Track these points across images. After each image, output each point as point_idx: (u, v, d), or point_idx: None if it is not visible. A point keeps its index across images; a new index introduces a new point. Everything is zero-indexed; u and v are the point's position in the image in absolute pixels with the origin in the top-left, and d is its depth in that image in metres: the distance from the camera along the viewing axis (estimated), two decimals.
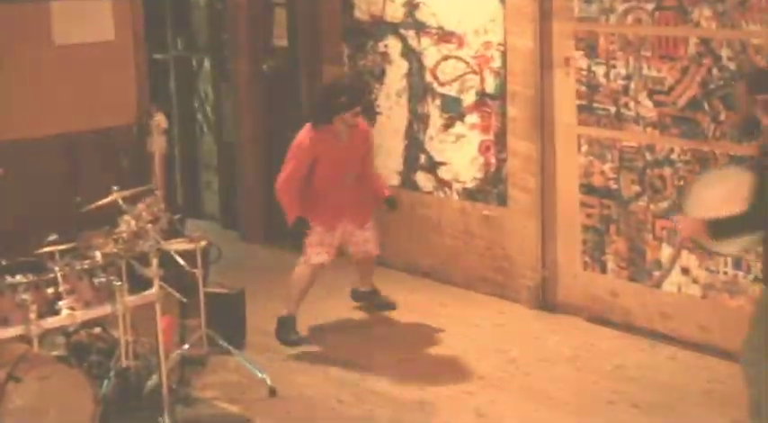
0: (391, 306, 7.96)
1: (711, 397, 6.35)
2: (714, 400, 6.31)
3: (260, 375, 6.62)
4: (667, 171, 7.00)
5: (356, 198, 7.53)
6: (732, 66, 6.59)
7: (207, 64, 10.17)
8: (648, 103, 7.05)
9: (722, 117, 6.69)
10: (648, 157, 7.09)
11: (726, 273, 6.77)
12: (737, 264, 6.72)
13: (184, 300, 6.55)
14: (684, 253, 6.97)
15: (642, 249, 7.20)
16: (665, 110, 6.97)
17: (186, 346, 6.67)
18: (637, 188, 7.17)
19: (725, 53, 6.62)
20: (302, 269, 7.47)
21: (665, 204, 7.04)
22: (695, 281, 6.94)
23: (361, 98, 7.50)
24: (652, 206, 7.11)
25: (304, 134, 7.39)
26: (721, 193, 5.50)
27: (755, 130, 5.53)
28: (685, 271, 6.98)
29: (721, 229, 5.32)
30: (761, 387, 5.39)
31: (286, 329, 7.42)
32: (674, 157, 6.98)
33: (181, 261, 6.46)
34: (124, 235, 6.09)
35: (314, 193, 7.38)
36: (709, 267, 6.84)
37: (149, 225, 6.04)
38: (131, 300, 5.98)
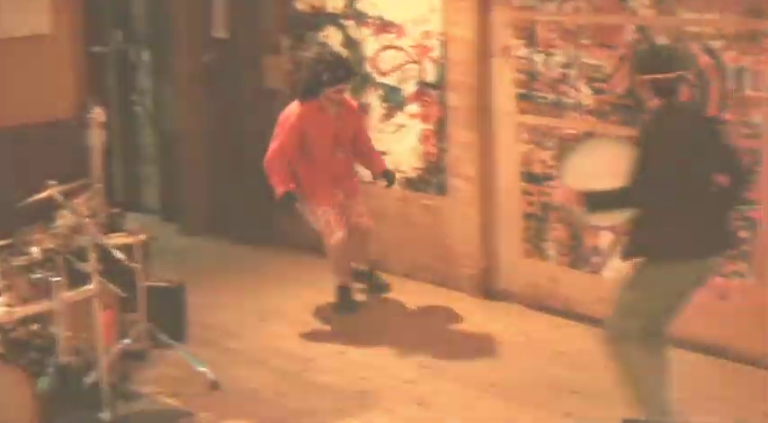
0: (385, 287, 8.06)
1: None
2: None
3: (201, 369, 6.57)
4: None
5: (348, 171, 7.73)
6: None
7: (146, 56, 10.08)
8: (587, 91, 7.08)
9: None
10: None
11: None
12: None
13: (124, 294, 6.48)
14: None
15: (581, 236, 7.24)
16: (604, 97, 7.00)
17: (126, 341, 6.60)
18: None
19: (662, 40, 6.65)
20: (330, 251, 7.68)
21: None
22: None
23: (345, 76, 7.42)
24: None
25: (291, 109, 7.51)
26: (598, 165, 5.48)
27: (641, 109, 5.55)
28: None
29: (598, 202, 5.35)
30: (623, 366, 5.51)
31: (344, 300, 7.78)
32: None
33: (119, 255, 6.39)
34: (62, 230, 6.02)
35: (310, 171, 7.52)
36: None
37: (87, 219, 5.98)
38: (70, 295, 5.91)
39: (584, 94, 7.09)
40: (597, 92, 7.03)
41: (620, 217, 5.45)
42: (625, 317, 5.49)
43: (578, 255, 7.28)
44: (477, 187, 7.73)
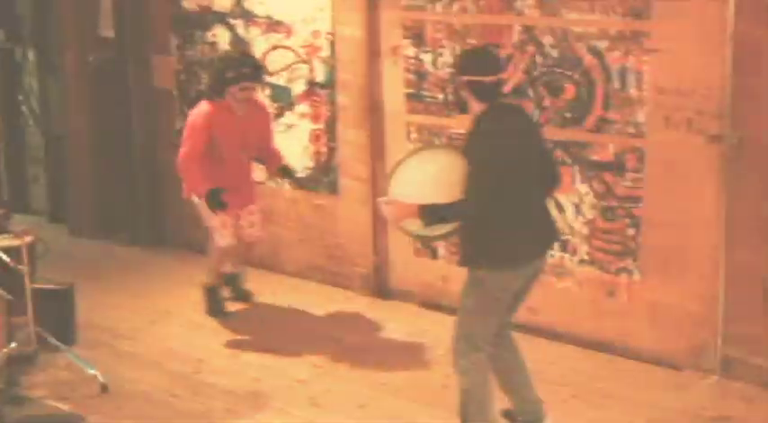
0: (249, 297, 7.93)
1: (541, 377, 6.43)
2: (544, 380, 6.41)
3: (91, 371, 6.50)
4: None
5: (248, 174, 7.58)
6: (555, 53, 6.74)
7: (31, 55, 9.91)
8: None
9: (546, 103, 6.83)
10: None
11: (552, 255, 6.91)
12: (564, 247, 6.88)
13: (10, 297, 6.38)
14: None
15: None
16: None
17: (13, 345, 6.50)
18: None
19: (547, 41, 6.76)
20: (214, 253, 7.57)
21: None
22: None
23: (251, 73, 7.20)
24: None
25: (199, 109, 7.29)
26: (429, 176, 5.44)
27: (463, 111, 5.58)
28: None
29: (436, 215, 5.29)
30: (470, 378, 5.50)
31: (212, 301, 7.70)
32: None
33: (5, 258, 6.29)
34: None
35: (216, 171, 7.23)
36: None
37: None
38: None
39: None
40: None
41: (450, 228, 5.40)
42: (472, 325, 5.52)
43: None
44: (369, 186, 7.76)
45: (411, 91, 7.45)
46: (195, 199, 7.33)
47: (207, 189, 7.10)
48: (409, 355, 6.93)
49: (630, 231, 6.60)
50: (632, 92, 6.46)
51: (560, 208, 6.83)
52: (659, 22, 6.31)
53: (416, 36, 7.35)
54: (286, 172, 7.65)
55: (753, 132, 6.07)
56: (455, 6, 7.13)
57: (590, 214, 6.76)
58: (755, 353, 6.26)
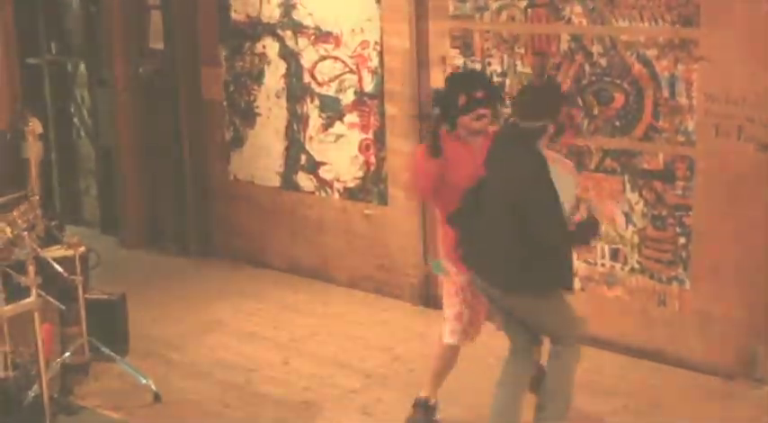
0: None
1: (592, 387, 6.45)
2: (595, 390, 6.42)
3: (143, 381, 6.56)
4: None
5: None
6: (603, 62, 6.73)
7: (82, 68, 10.02)
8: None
9: (596, 112, 6.81)
10: None
11: (603, 264, 6.90)
12: (614, 255, 6.86)
13: (63, 307, 6.44)
14: None
15: None
16: None
17: (67, 355, 6.57)
18: None
19: (596, 49, 6.75)
20: (437, 355, 6.17)
21: None
22: (574, 273, 7.06)
23: (485, 98, 5.80)
24: None
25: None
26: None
27: None
28: None
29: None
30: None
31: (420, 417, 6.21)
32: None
33: (59, 268, 6.36)
34: None
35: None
36: (588, 260, 6.97)
37: (25, 232, 5.94)
38: (8, 309, 5.86)
39: None
40: None
41: None
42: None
43: None
44: None
45: None
46: (435, 266, 6.22)
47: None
48: (459, 364, 6.90)
49: (681, 240, 6.57)
50: (681, 100, 6.44)
51: (611, 217, 6.82)
52: (708, 29, 6.28)
53: (464, 45, 7.37)
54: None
55: None
56: (503, 15, 7.14)
57: (640, 223, 6.73)
58: None
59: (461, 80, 6.06)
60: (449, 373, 6.13)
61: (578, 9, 6.78)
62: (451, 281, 5.95)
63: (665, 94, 6.50)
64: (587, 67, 6.80)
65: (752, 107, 6.17)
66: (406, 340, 7.35)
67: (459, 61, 7.40)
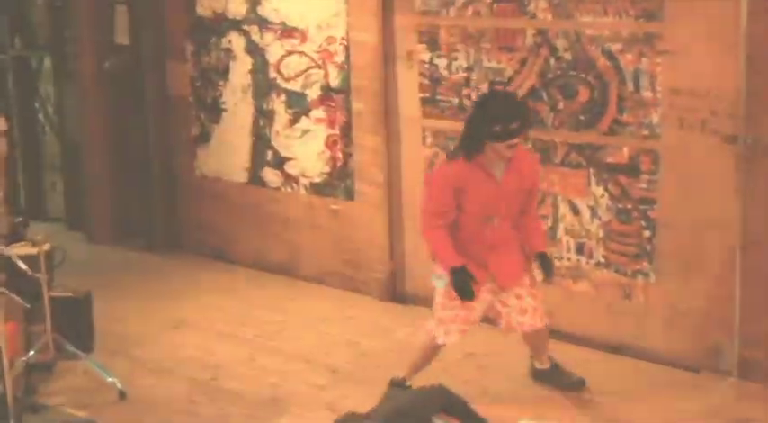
0: (580, 384, 6.41)
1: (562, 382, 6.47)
2: (564, 383, 6.44)
3: (109, 379, 6.52)
4: None
5: (507, 247, 6.06)
6: (568, 56, 6.74)
7: (47, 63, 9.96)
8: None
9: (561, 106, 6.83)
10: None
11: (569, 258, 6.92)
12: (579, 249, 6.88)
13: (28, 305, 6.40)
14: None
15: None
16: None
17: (31, 353, 6.53)
18: None
19: (561, 44, 6.76)
20: (424, 347, 6.28)
21: None
22: None
23: (521, 128, 5.77)
24: None
25: (446, 165, 6.03)
26: None
27: None
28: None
29: None
30: None
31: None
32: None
33: (23, 266, 6.32)
34: None
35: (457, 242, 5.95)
36: (554, 254, 6.97)
37: None
38: None
39: None
40: None
41: None
42: None
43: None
44: (384, 191, 7.77)
45: (426, 95, 7.45)
46: (436, 276, 6.06)
47: (459, 264, 5.84)
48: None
49: (646, 233, 6.59)
50: (646, 94, 6.46)
51: (576, 211, 6.83)
52: (672, 23, 6.31)
53: (431, 40, 7.36)
54: (544, 264, 6.12)
55: (767, 132, 6.07)
56: (469, 10, 7.14)
57: (605, 217, 6.75)
58: None
59: (498, 107, 5.82)
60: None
61: (543, 4, 6.79)
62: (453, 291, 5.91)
63: (630, 87, 6.52)
64: (552, 62, 6.82)
65: (715, 100, 6.20)
66: (373, 336, 7.34)
67: (426, 56, 7.39)
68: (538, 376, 6.48)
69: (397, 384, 6.29)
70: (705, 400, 6.21)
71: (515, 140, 5.73)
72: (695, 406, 6.14)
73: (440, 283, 6.02)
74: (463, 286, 5.80)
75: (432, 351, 6.24)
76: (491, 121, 5.68)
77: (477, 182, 5.80)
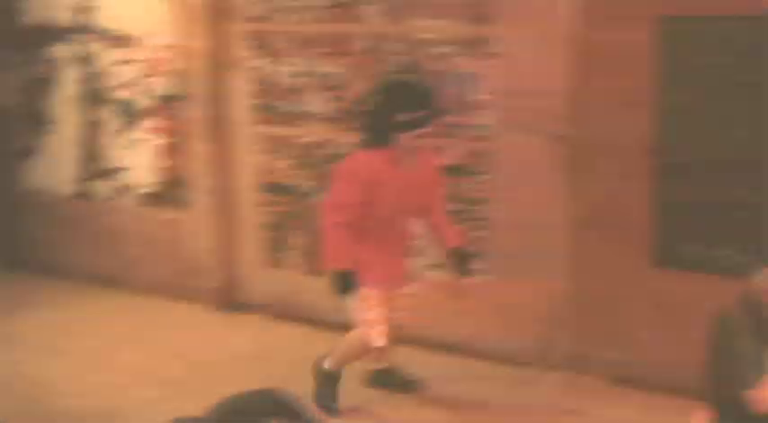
0: (414, 385, 6.37)
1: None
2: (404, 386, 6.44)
3: None
4: None
5: (399, 251, 5.92)
6: (400, 60, 6.78)
7: None
8: (324, 100, 7.15)
9: None
10: (326, 151, 7.19)
11: None
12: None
13: None
14: None
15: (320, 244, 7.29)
16: (340, 105, 7.09)
17: None
18: (315, 183, 7.26)
19: (393, 48, 6.80)
20: (357, 346, 6.00)
21: None
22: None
23: (431, 116, 5.57)
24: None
25: (353, 158, 5.76)
26: None
27: None
28: None
29: None
30: None
31: (327, 389, 6.19)
32: (350, 151, 7.09)
33: None
34: None
35: (365, 237, 5.71)
36: None
37: None
38: None
39: (321, 103, 7.16)
40: (333, 100, 7.11)
41: None
42: None
43: (319, 262, 7.32)
44: (217, 199, 7.69)
45: (258, 102, 7.41)
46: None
47: (347, 266, 5.62)
48: (262, 367, 6.84)
49: (479, 233, 6.66)
50: (478, 96, 6.53)
51: None
52: (503, 26, 6.41)
53: (263, 46, 7.33)
54: (460, 259, 5.96)
55: (595, 132, 6.20)
56: (301, 16, 7.13)
57: None
58: (602, 348, 6.37)
59: (402, 95, 5.57)
60: None
61: (375, 9, 6.82)
62: (371, 292, 5.75)
63: (463, 90, 6.59)
64: (386, 66, 6.85)
65: (545, 100, 6.31)
66: (208, 345, 7.23)
67: (258, 63, 7.35)
68: (375, 378, 6.43)
69: (325, 374, 6.13)
70: (537, 394, 6.29)
71: (424, 130, 5.51)
72: (527, 400, 6.21)
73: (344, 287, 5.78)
74: (341, 287, 5.61)
75: (363, 352, 6.01)
76: (396, 110, 5.46)
77: (387, 175, 5.56)
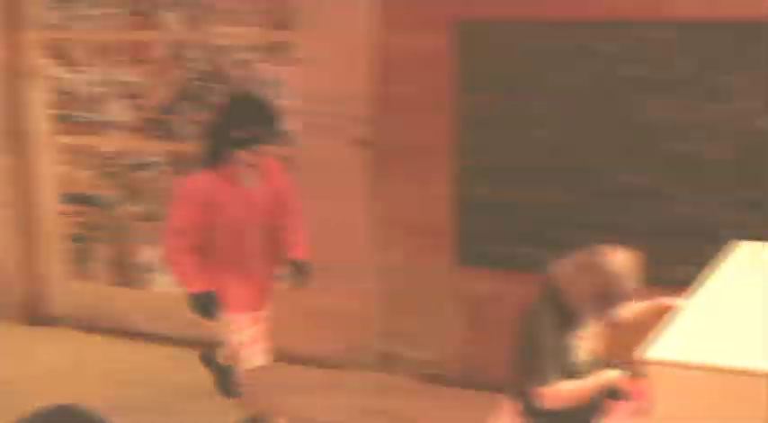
0: None
1: (212, 392, 6.42)
2: (215, 395, 6.39)
3: None
4: (148, 174, 7.07)
5: (258, 266, 5.62)
6: (203, 67, 6.77)
7: None
8: (124, 108, 7.08)
9: (198, 118, 6.84)
10: (128, 161, 7.12)
11: None
12: None
13: None
14: None
15: (129, 253, 7.22)
16: (142, 113, 7.03)
17: None
18: (119, 193, 7.17)
19: (195, 55, 6.78)
20: (247, 384, 5.69)
21: (148, 207, 7.10)
22: None
23: (270, 132, 5.34)
24: (135, 209, 7.15)
25: (190, 179, 5.43)
26: None
27: None
28: None
29: None
30: None
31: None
32: (153, 159, 7.05)
33: None
34: None
35: (217, 260, 5.45)
36: None
37: None
38: None
39: (121, 112, 7.09)
40: (135, 108, 7.05)
41: None
42: None
43: (126, 272, 7.25)
44: (17, 212, 7.50)
45: (57, 111, 7.28)
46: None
47: (203, 287, 5.36)
48: (71, 381, 6.71)
49: None
50: (281, 101, 6.57)
51: None
52: (304, 32, 6.47)
53: (61, 55, 7.20)
54: (298, 270, 5.75)
55: (397, 136, 6.31)
56: (101, 24, 7.03)
57: None
58: (411, 348, 6.50)
59: (240, 111, 5.36)
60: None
61: (175, 16, 6.79)
62: (233, 316, 5.52)
63: (266, 96, 6.61)
64: (187, 74, 6.82)
65: (348, 106, 6.39)
66: (13, 361, 7.03)
67: (56, 72, 7.22)
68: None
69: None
70: (348, 395, 6.37)
71: (262, 147, 5.28)
72: (338, 402, 6.27)
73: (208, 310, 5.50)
74: (203, 310, 5.36)
75: (252, 378, 5.64)
76: (232, 126, 5.23)
77: (226, 194, 5.30)
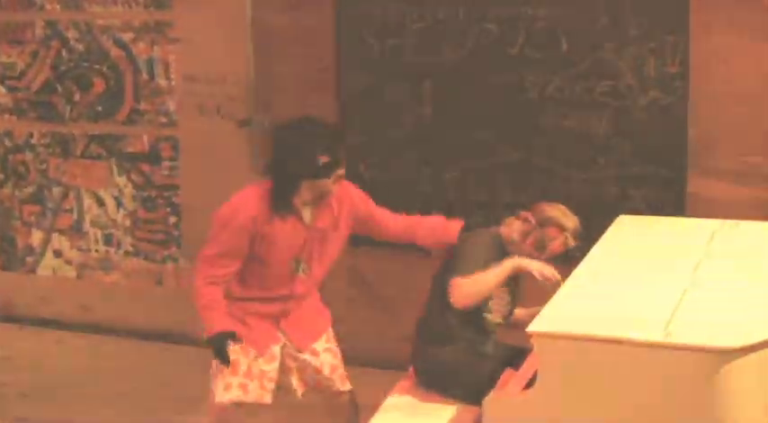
0: None
1: (99, 375, 6.42)
2: (103, 378, 6.38)
3: None
4: (29, 156, 6.99)
5: (304, 303, 4.82)
6: (81, 47, 6.70)
7: None
8: (1, 90, 6.98)
9: (77, 98, 6.78)
10: (8, 143, 7.02)
11: (98, 250, 6.90)
12: (108, 240, 6.87)
13: None
14: (55, 235, 7.01)
15: (12, 236, 7.14)
16: (20, 95, 6.94)
17: None
18: (0, 175, 7.08)
19: (72, 35, 6.71)
20: (210, 414, 4.77)
21: (30, 189, 7.03)
22: (68, 262, 7.01)
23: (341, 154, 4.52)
24: (17, 192, 7.06)
25: (240, 206, 4.52)
26: None
27: None
28: (58, 253, 7.03)
29: None
30: None
31: None
32: (33, 141, 6.97)
33: None
34: None
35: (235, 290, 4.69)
36: (81, 247, 6.93)
37: None
38: None
39: (0, 93, 6.99)
40: (12, 90, 6.95)
41: None
42: None
43: (10, 255, 7.17)
44: None
45: None
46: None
47: (219, 331, 4.55)
48: None
49: (172, 219, 6.70)
50: (161, 82, 6.55)
51: (101, 202, 6.82)
52: (181, 11, 6.44)
53: None
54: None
55: (280, 116, 6.30)
56: None
57: (131, 206, 6.79)
58: None
59: (317, 135, 4.50)
60: None
61: None
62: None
63: (145, 76, 6.59)
64: (65, 54, 6.75)
65: (230, 85, 6.39)
66: None
67: None
68: None
69: None
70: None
71: (341, 171, 4.53)
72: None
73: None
74: (216, 353, 4.58)
75: (223, 415, 4.74)
76: (313, 153, 4.45)
77: (282, 225, 4.53)
